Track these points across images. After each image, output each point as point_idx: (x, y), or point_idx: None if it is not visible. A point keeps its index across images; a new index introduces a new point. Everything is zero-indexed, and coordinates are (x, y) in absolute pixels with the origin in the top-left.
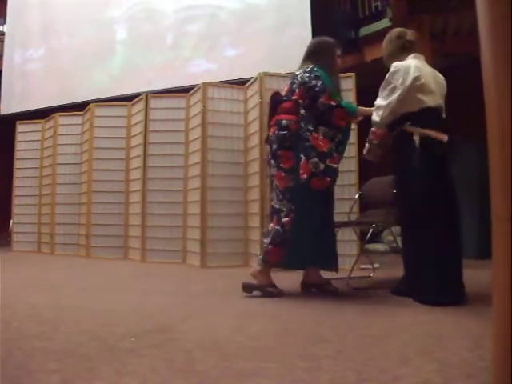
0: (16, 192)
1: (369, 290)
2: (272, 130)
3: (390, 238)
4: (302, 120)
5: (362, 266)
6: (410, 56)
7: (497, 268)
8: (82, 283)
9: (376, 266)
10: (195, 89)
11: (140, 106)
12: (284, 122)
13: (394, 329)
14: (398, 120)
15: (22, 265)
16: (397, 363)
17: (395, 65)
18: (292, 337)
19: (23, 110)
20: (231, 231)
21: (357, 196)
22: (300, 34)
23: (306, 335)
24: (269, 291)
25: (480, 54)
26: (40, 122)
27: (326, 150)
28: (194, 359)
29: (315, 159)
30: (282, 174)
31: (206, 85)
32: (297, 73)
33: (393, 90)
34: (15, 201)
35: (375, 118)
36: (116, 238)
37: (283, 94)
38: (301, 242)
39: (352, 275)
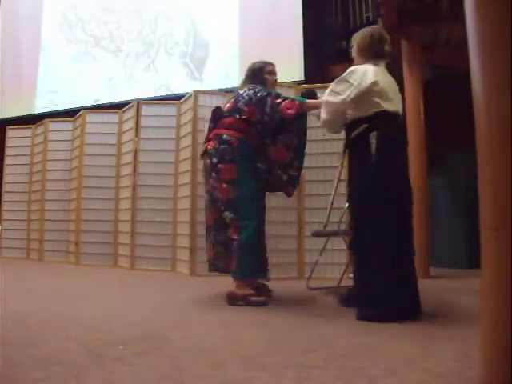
0: (5, 198)
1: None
2: (211, 143)
3: None
4: (258, 136)
5: (352, 275)
6: (371, 62)
7: (486, 277)
8: (70, 290)
9: None
10: (186, 96)
11: (131, 112)
12: (225, 136)
13: (382, 338)
14: (353, 123)
15: (8, 271)
16: (385, 372)
17: (354, 67)
18: (280, 346)
19: (14, 115)
20: None
21: (346, 206)
22: (291, 44)
23: (294, 344)
24: (252, 300)
25: (469, 66)
26: (30, 128)
27: (286, 161)
28: (181, 367)
29: (279, 172)
30: (224, 186)
31: (197, 92)
32: (241, 91)
33: (348, 87)
34: (4, 206)
35: (323, 115)
36: (105, 245)
37: (225, 109)
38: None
39: (341, 284)
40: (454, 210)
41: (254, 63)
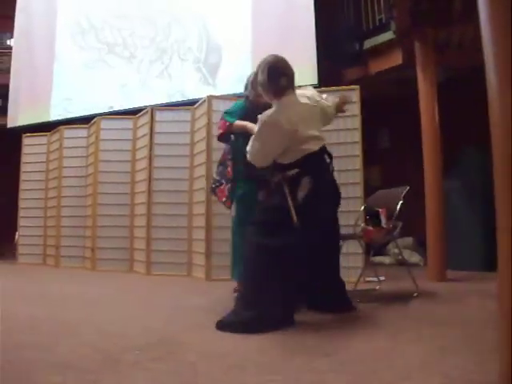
0: (22, 204)
1: (373, 304)
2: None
3: (396, 250)
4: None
5: (368, 279)
6: (277, 102)
7: (503, 279)
8: (86, 296)
9: (381, 278)
10: (200, 101)
11: (145, 118)
12: None
13: (397, 342)
14: (280, 166)
15: (26, 277)
16: (400, 376)
17: (266, 119)
18: (295, 350)
19: (30, 123)
20: None
21: (362, 208)
22: (305, 47)
23: (308, 349)
24: None
25: (482, 67)
26: (46, 135)
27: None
28: (198, 372)
29: (228, 185)
30: None
31: (210, 98)
32: None
33: (258, 143)
34: (21, 213)
35: (248, 156)
36: (121, 251)
37: None
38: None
39: (357, 288)
40: (471, 211)
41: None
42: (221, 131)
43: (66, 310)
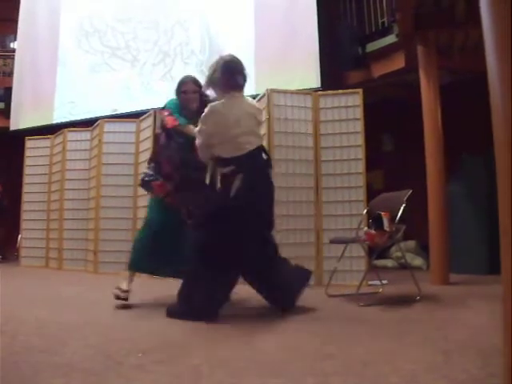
0: (24, 207)
1: (376, 307)
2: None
3: (399, 254)
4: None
5: (370, 282)
6: (226, 94)
7: (506, 282)
8: (89, 298)
9: (384, 282)
10: None
11: (148, 121)
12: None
13: (402, 345)
14: (222, 160)
15: (29, 280)
16: (406, 380)
17: (213, 107)
18: (299, 352)
19: (32, 125)
20: None
21: (365, 212)
22: (307, 51)
23: (312, 351)
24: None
25: (485, 70)
26: (49, 138)
27: (167, 172)
28: (201, 375)
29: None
30: None
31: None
32: None
33: (204, 129)
34: (23, 216)
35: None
36: (124, 254)
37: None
38: None
39: (360, 291)
40: (474, 214)
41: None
42: (169, 125)
43: (70, 313)
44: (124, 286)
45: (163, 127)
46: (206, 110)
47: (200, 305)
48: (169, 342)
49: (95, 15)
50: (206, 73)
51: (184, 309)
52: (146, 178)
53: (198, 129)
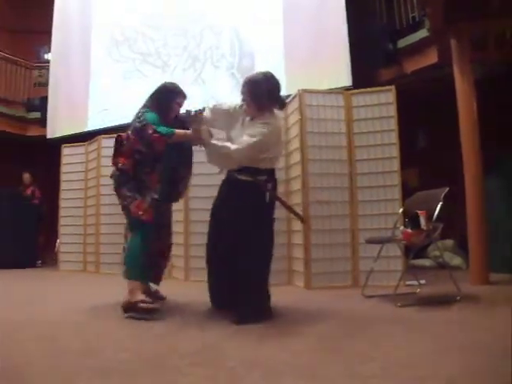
0: (62, 213)
1: (414, 307)
2: (114, 165)
3: (437, 253)
4: (138, 164)
5: (408, 283)
6: (277, 112)
7: None
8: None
9: (422, 282)
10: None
11: None
12: (120, 164)
13: (441, 347)
14: (254, 170)
15: (67, 284)
16: (445, 382)
17: (277, 124)
18: (335, 355)
19: (68, 133)
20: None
21: (401, 211)
22: (337, 49)
23: (349, 353)
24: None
25: None
26: (84, 145)
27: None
28: (237, 376)
29: (155, 196)
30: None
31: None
32: (133, 121)
33: (261, 145)
34: (61, 221)
35: (233, 147)
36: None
37: (124, 137)
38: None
39: (397, 292)
40: (510, 212)
41: (165, 84)
42: (160, 148)
43: (108, 317)
44: (140, 297)
45: (148, 145)
46: (268, 124)
47: (267, 304)
48: (206, 345)
49: (125, 23)
50: (246, 87)
51: (258, 310)
52: (125, 203)
53: (255, 139)
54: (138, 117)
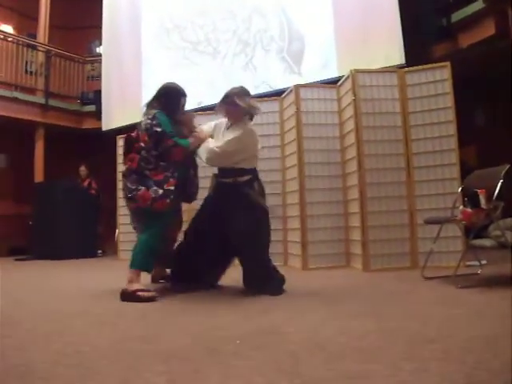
0: (120, 203)
1: (475, 288)
2: (127, 165)
3: (498, 232)
4: (141, 160)
5: (468, 263)
6: (248, 121)
7: None
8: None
9: (483, 262)
10: (287, 91)
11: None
12: (129, 163)
13: (505, 329)
14: (238, 171)
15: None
16: (509, 368)
17: (251, 128)
18: (396, 337)
19: (122, 125)
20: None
21: (460, 190)
22: (389, 26)
23: (410, 335)
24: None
25: None
26: None
27: (162, 178)
28: (298, 360)
29: (154, 187)
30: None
31: (297, 87)
32: (142, 119)
33: (237, 145)
34: (120, 211)
35: (210, 153)
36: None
37: (134, 136)
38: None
39: (458, 273)
40: None
41: (170, 84)
42: (179, 158)
43: (166, 304)
44: (137, 286)
45: (166, 153)
46: (243, 128)
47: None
48: (265, 328)
49: (174, 12)
50: (242, 99)
51: (279, 280)
52: (129, 195)
53: (232, 143)
54: (149, 118)
